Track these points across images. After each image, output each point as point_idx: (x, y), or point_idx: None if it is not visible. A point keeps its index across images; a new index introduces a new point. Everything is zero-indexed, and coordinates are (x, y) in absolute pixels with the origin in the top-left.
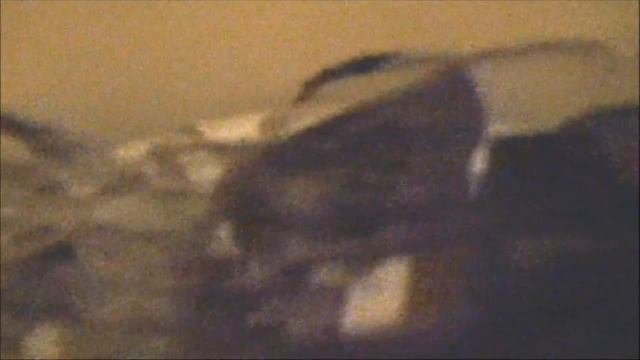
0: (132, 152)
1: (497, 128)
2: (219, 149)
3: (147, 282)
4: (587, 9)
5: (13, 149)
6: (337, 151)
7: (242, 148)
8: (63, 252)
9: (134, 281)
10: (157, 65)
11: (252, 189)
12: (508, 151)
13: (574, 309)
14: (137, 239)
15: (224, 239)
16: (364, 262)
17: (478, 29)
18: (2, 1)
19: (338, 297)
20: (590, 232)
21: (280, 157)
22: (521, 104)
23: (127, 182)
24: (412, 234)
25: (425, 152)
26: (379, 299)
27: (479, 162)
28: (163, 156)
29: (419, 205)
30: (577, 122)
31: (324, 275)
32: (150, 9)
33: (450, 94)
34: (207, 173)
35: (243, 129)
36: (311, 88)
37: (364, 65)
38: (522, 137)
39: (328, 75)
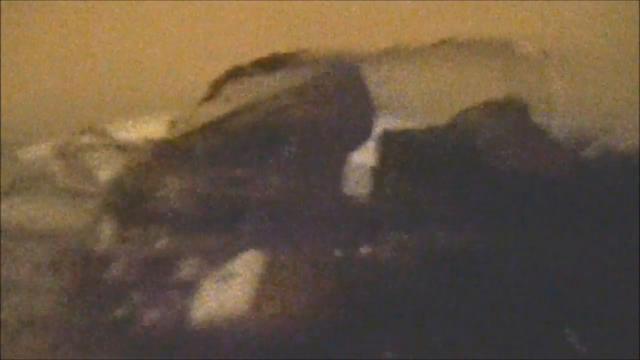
0: (38, 151)
1: (387, 122)
2: (122, 148)
3: (33, 281)
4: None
5: None
6: (218, 148)
7: (142, 147)
8: None
9: (22, 280)
10: (65, 65)
11: (139, 186)
12: (396, 145)
13: (436, 303)
14: (28, 238)
15: (106, 235)
16: (220, 256)
17: (376, 29)
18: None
19: (191, 289)
20: (461, 226)
21: (170, 154)
22: (413, 99)
23: (32, 181)
24: (270, 228)
25: (303, 146)
26: (230, 291)
27: (368, 156)
28: (69, 155)
29: (281, 200)
30: (463, 117)
31: (183, 268)
32: (54, 12)
33: (341, 90)
34: (109, 171)
35: (149, 128)
36: (217, 87)
37: (270, 64)
38: (410, 131)
39: (234, 75)
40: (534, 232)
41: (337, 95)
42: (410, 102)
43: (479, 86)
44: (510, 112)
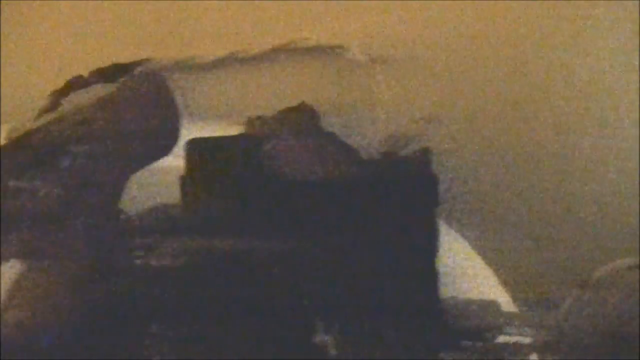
0: None
1: (193, 129)
2: None
3: None
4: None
5: None
6: (16, 161)
7: None
8: None
9: None
10: None
11: None
12: (201, 152)
13: (212, 304)
14: None
15: None
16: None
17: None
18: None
19: None
20: (236, 232)
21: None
22: (234, 106)
23: None
24: (35, 239)
25: (87, 157)
26: None
27: (176, 162)
28: None
29: (51, 211)
30: (257, 124)
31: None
32: None
33: (147, 98)
34: None
35: None
36: (57, 98)
37: (111, 73)
38: (215, 138)
39: (74, 85)
40: (321, 235)
41: (139, 105)
42: (231, 109)
43: (302, 93)
44: (302, 118)
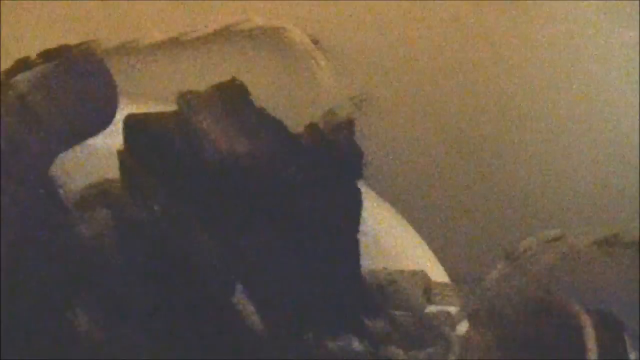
0: None
1: (132, 109)
2: None
3: None
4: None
5: None
6: None
7: None
8: None
9: None
10: None
11: None
12: (138, 127)
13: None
14: None
15: None
16: None
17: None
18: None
19: None
20: (167, 203)
21: None
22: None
23: None
24: None
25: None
26: None
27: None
28: None
29: None
30: (188, 100)
31: None
32: None
33: (84, 76)
34: None
35: None
36: (7, 77)
37: (58, 55)
38: (151, 114)
39: (21, 65)
40: (247, 205)
41: (75, 82)
42: (173, 91)
43: (243, 74)
44: (232, 94)
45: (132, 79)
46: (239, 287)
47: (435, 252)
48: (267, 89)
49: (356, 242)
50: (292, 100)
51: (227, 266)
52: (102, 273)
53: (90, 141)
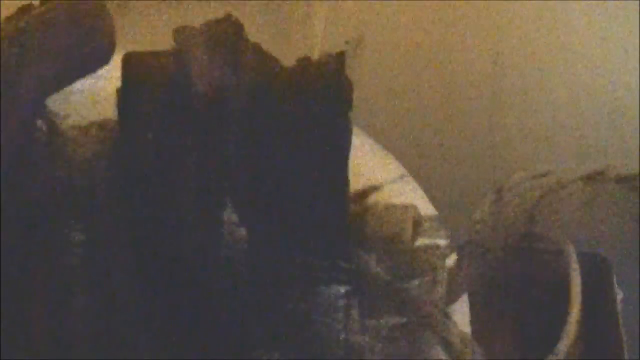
0: None
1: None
2: None
3: None
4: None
5: None
6: None
7: None
8: None
9: None
10: None
11: None
12: (137, 65)
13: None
14: None
15: None
16: None
17: None
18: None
19: None
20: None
21: None
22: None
23: None
24: None
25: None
26: None
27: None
28: None
29: None
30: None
31: None
32: None
33: (83, 15)
34: None
35: None
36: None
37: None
38: (149, 52)
39: (25, 11)
40: (238, 137)
41: (74, 20)
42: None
43: (241, 15)
44: (226, 30)
45: (131, 29)
46: (229, 202)
47: (425, 186)
48: (261, 33)
49: (345, 171)
50: (286, 45)
51: (218, 182)
52: (95, 194)
53: (91, 84)
